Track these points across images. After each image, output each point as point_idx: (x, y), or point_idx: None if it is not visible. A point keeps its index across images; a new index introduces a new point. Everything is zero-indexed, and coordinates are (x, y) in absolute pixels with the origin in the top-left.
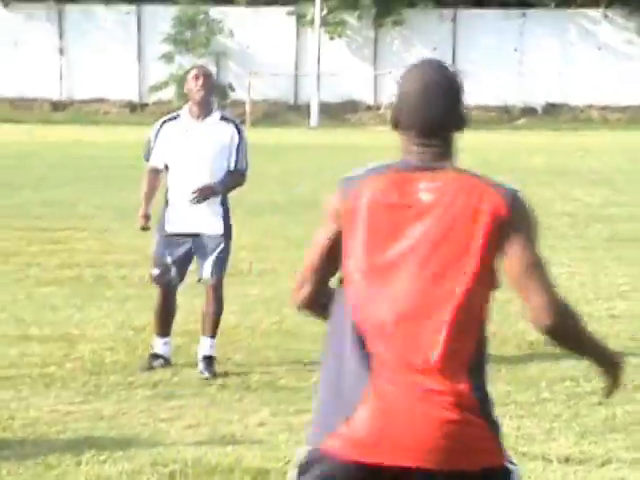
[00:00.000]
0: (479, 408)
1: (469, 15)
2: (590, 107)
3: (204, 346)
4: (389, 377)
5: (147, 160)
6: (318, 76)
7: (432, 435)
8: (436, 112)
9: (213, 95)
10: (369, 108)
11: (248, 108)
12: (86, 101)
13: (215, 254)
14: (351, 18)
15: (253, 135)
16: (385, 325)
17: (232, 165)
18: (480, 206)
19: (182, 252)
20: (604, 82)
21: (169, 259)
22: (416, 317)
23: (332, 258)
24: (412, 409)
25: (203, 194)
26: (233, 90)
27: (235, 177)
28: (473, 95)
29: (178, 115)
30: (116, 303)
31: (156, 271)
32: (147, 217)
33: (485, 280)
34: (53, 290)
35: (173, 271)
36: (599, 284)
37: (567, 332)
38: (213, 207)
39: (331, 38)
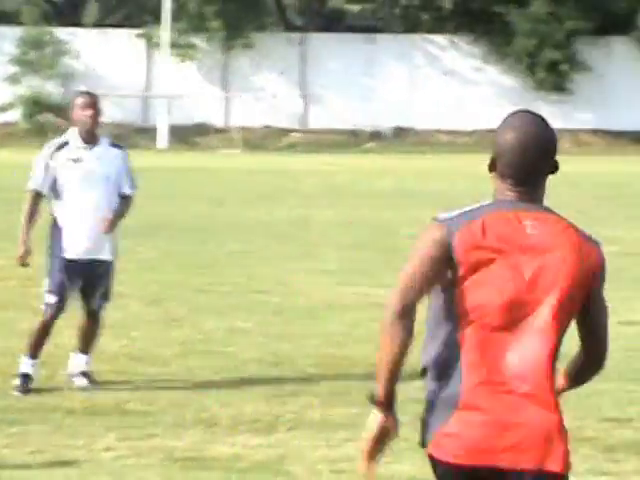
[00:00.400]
0: (559, 411)
1: (318, 39)
2: (437, 131)
3: (80, 362)
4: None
5: (34, 186)
6: (167, 99)
7: (532, 435)
8: (533, 166)
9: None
10: (219, 131)
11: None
12: None
13: (105, 284)
14: (200, 41)
15: None
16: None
17: (126, 189)
18: (585, 256)
19: (78, 278)
20: (450, 107)
21: (68, 285)
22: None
23: (433, 283)
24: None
25: (111, 228)
26: None
27: (128, 202)
28: (322, 119)
29: (67, 142)
30: None
31: (53, 298)
32: (28, 252)
33: (574, 310)
34: None
35: (67, 297)
36: None
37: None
38: (107, 234)
39: (182, 61)
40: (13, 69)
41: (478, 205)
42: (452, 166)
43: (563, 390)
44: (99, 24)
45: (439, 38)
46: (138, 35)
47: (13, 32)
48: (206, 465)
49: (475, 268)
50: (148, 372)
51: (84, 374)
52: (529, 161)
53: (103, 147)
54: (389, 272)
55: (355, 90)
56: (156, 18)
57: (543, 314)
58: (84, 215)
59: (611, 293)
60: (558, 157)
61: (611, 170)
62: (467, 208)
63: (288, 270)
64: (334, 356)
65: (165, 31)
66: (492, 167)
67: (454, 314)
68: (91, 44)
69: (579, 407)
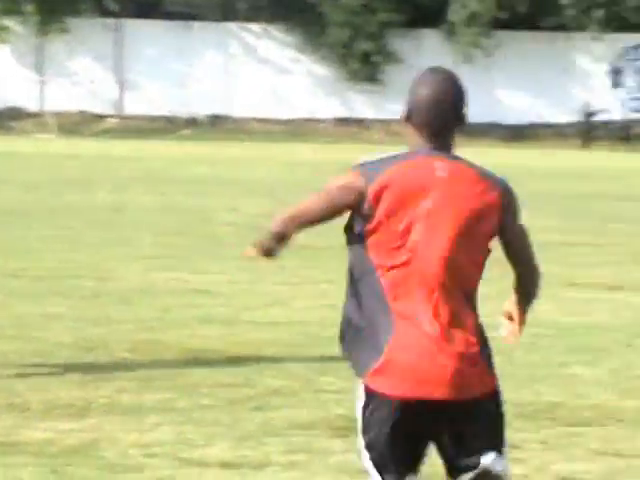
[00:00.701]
0: (480, 341)
1: (133, 26)
2: (253, 119)
3: None
4: (411, 322)
5: None
6: None
7: (454, 368)
8: (445, 119)
9: None
10: (33, 116)
11: None
12: None
13: None
14: (15, 24)
15: None
16: (408, 280)
17: None
18: (484, 197)
19: None
20: (266, 95)
21: None
22: (434, 273)
23: (326, 219)
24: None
25: None
26: None
27: None
28: (138, 105)
29: None
30: None
31: None
32: None
33: (484, 247)
34: None
35: None
36: (259, 292)
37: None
38: None
39: None
40: None
41: (395, 154)
42: (267, 154)
43: (521, 308)
44: None
45: (254, 27)
46: None
47: None
48: (18, 450)
49: (387, 215)
50: None
51: None
52: (442, 114)
53: None
54: (204, 258)
55: (171, 77)
56: None
57: (449, 250)
58: None
59: None
60: (370, 147)
61: None
62: (385, 155)
63: (103, 255)
64: (147, 341)
65: None
66: (407, 119)
67: (371, 260)
68: None
69: None
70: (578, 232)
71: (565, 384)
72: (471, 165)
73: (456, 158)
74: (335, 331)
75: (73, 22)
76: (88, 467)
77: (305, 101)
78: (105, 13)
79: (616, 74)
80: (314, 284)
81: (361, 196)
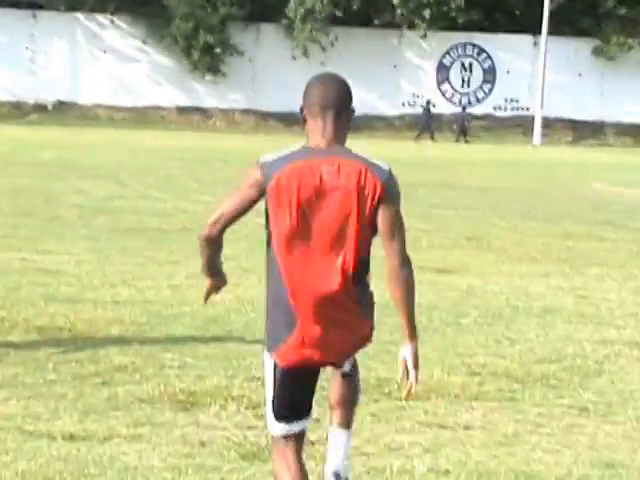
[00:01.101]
0: (362, 310)
1: None
2: (98, 106)
3: None
4: (308, 307)
5: None
6: None
7: (341, 339)
8: (335, 112)
9: None
10: None
11: None
12: None
13: None
14: None
15: None
16: (304, 273)
17: None
18: (368, 186)
19: None
20: (111, 83)
21: None
22: (324, 264)
23: (241, 214)
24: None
25: None
26: None
27: None
28: None
29: None
30: None
31: None
32: None
33: (367, 233)
34: None
35: None
36: (104, 272)
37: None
38: None
39: None
40: None
41: (289, 152)
42: (112, 140)
43: (402, 301)
44: None
45: (100, 17)
46: None
47: None
48: None
49: (279, 206)
50: None
51: None
52: (332, 108)
53: None
54: (51, 238)
55: (19, 64)
56: None
57: (336, 240)
58: None
59: None
60: (211, 135)
61: (259, 147)
62: (282, 154)
63: None
64: None
65: None
66: (302, 113)
67: (272, 249)
68: None
69: (229, 367)
70: (407, 217)
71: (393, 361)
72: (357, 158)
73: (344, 152)
74: (176, 310)
75: None
76: None
77: (149, 90)
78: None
79: (442, 70)
80: (159, 265)
81: (262, 191)
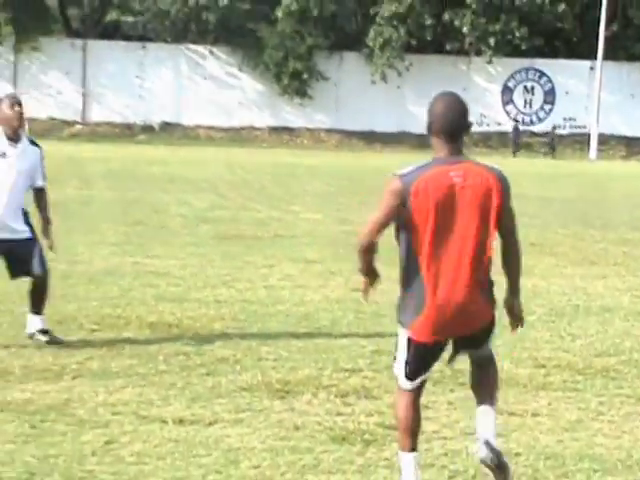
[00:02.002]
0: (488, 294)
1: (97, 45)
2: (199, 127)
3: (38, 321)
4: (442, 289)
5: None
6: None
7: (466, 322)
8: (457, 126)
9: None
10: None
11: None
12: None
13: (33, 255)
14: None
15: None
16: (442, 262)
17: (39, 182)
18: (489, 184)
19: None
20: (210, 107)
21: None
22: (460, 255)
23: (389, 222)
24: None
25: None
26: None
27: (44, 193)
28: (100, 113)
29: None
30: None
31: None
32: None
33: (493, 224)
34: None
35: None
36: (207, 274)
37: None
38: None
39: None
40: None
41: (422, 164)
42: (211, 156)
43: (517, 269)
44: None
45: (200, 48)
46: None
47: None
48: (2, 408)
49: (420, 209)
50: None
51: (43, 331)
52: (454, 122)
53: (25, 144)
54: (159, 245)
55: (129, 90)
56: None
57: (469, 233)
58: (5, 201)
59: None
60: (299, 152)
61: (343, 163)
62: (416, 166)
63: (73, 242)
64: (111, 316)
65: None
66: (429, 130)
67: (412, 245)
68: None
69: (319, 359)
70: None
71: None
72: (477, 163)
73: (465, 160)
74: (271, 309)
75: (45, 42)
76: (62, 423)
77: (244, 112)
78: (73, 34)
79: (507, 92)
80: (255, 268)
81: (404, 198)
